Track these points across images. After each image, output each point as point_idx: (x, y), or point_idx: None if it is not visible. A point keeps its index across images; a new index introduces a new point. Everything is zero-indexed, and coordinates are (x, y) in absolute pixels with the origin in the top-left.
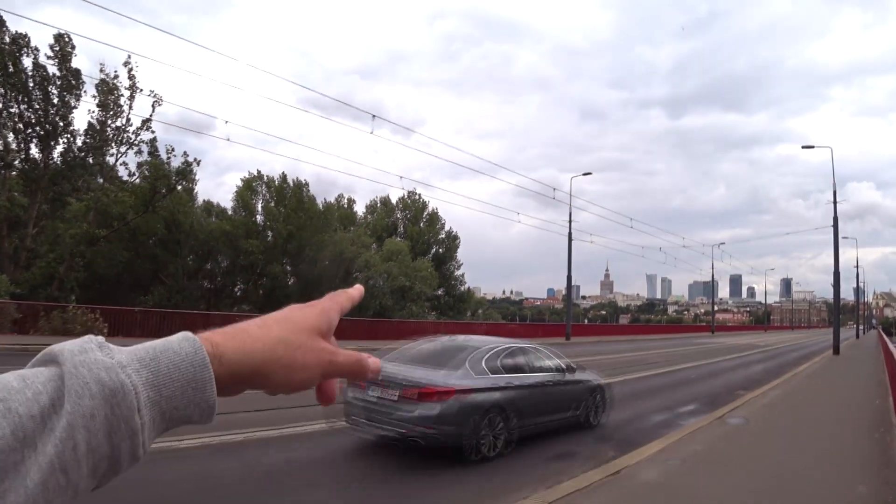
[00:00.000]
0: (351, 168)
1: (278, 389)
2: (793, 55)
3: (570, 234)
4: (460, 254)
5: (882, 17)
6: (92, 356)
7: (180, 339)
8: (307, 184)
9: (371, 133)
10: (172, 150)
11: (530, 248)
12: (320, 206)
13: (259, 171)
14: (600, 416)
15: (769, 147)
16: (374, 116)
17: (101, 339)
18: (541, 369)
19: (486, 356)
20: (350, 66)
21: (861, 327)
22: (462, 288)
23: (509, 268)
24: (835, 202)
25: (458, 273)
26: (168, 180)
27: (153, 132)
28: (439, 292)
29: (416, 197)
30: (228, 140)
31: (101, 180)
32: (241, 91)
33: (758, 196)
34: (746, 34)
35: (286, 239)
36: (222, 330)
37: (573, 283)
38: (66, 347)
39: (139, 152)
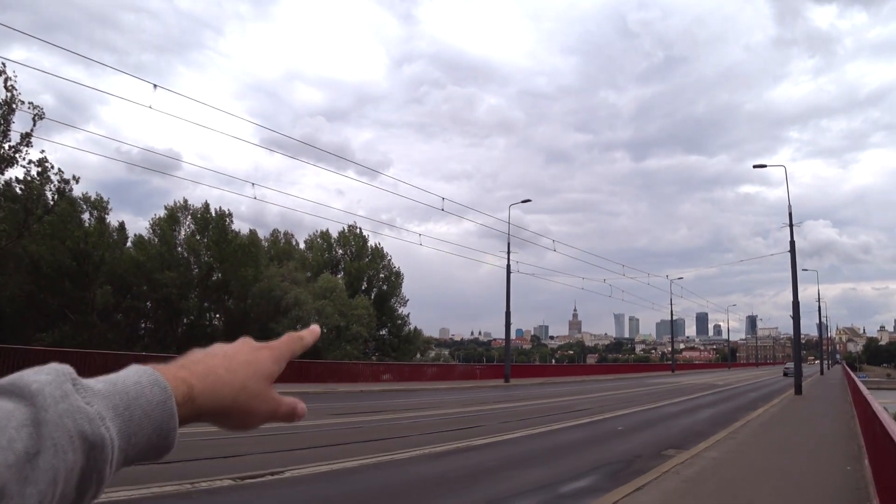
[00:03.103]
0: (317, 210)
1: (227, 428)
2: (750, 99)
3: (508, 265)
4: (427, 295)
5: (829, 62)
6: (73, 403)
7: (151, 385)
8: (230, 214)
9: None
10: (52, 167)
11: (498, 289)
12: (262, 240)
13: (185, 200)
14: None
15: (730, 188)
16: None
17: (70, 370)
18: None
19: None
20: (317, 108)
21: (826, 363)
22: (407, 328)
23: (477, 308)
24: (791, 224)
25: (402, 311)
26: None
27: (42, 151)
28: (382, 332)
29: (357, 231)
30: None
31: None
32: (208, 132)
33: (720, 235)
34: (705, 79)
35: (206, 272)
36: (195, 371)
37: (542, 324)
38: (46, 390)
39: (28, 173)
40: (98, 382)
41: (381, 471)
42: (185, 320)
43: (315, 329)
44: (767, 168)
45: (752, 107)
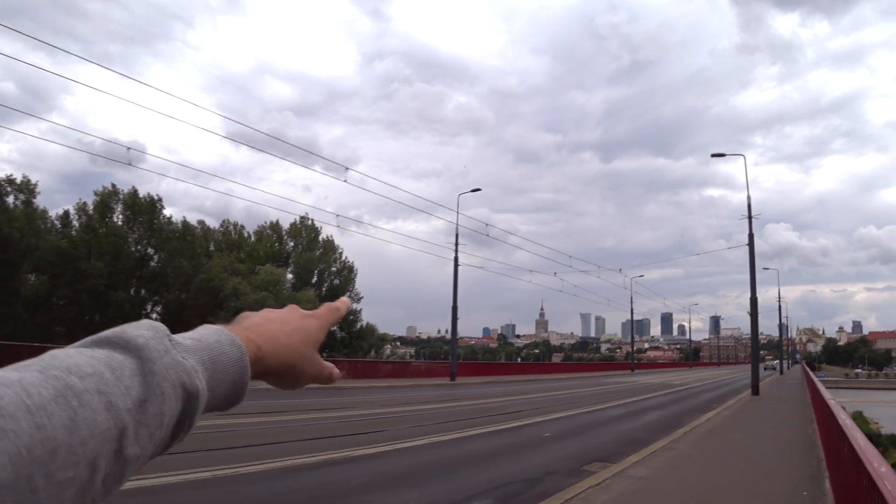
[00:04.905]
0: (285, 205)
1: (279, 386)
2: (716, 104)
3: (455, 258)
4: (395, 293)
5: (791, 69)
6: (175, 357)
7: (230, 343)
8: (160, 199)
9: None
10: None
11: (466, 288)
12: (212, 230)
13: (113, 186)
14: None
15: (696, 190)
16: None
17: (164, 327)
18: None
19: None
20: (286, 103)
21: (786, 362)
22: (360, 323)
23: (444, 307)
24: (749, 217)
25: (355, 307)
26: None
27: None
28: (332, 329)
29: (309, 223)
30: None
31: None
32: (174, 124)
33: (684, 237)
34: (672, 83)
35: (139, 262)
36: (263, 332)
37: (509, 323)
38: (151, 344)
39: None
40: (186, 339)
41: (198, 490)
42: (118, 312)
43: (346, 301)
44: (731, 171)
45: (718, 111)
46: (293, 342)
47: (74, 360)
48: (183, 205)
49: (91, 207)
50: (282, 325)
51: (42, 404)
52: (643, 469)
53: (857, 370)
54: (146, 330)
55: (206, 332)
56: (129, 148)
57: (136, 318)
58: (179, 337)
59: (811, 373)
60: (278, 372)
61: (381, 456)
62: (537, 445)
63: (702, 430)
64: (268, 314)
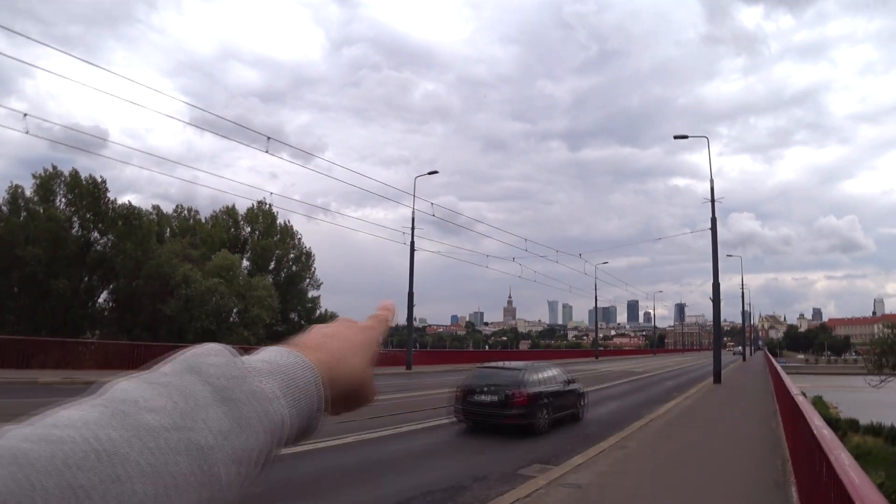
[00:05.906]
0: (250, 192)
1: (339, 412)
2: (682, 94)
3: (412, 242)
4: (362, 282)
5: (755, 61)
6: (253, 385)
7: (304, 367)
8: (104, 181)
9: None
10: None
11: (435, 275)
12: (153, 215)
13: (54, 167)
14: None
15: (662, 180)
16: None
17: (234, 350)
18: None
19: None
20: (252, 88)
21: (749, 349)
22: (319, 311)
23: (415, 295)
24: (713, 200)
25: (314, 294)
26: None
27: None
28: (292, 315)
29: (267, 208)
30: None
31: None
32: (138, 110)
33: (650, 226)
34: (639, 73)
35: (83, 247)
36: (331, 352)
37: (477, 310)
38: (227, 371)
39: None
40: (258, 362)
41: None
42: (60, 301)
43: (389, 305)
44: (697, 161)
45: (685, 102)
46: (360, 362)
47: (140, 391)
48: (147, 192)
49: (29, 191)
50: (346, 343)
51: (114, 450)
52: (586, 474)
53: (805, 357)
54: (216, 356)
55: (275, 355)
56: (25, 115)
57: (82, 307)
58: (252, 360)
59: (774, 360)
60: (344, 396)
61: (287, 458)
62: (476, 443)
63: (658, 423)
64: (325, 330)
